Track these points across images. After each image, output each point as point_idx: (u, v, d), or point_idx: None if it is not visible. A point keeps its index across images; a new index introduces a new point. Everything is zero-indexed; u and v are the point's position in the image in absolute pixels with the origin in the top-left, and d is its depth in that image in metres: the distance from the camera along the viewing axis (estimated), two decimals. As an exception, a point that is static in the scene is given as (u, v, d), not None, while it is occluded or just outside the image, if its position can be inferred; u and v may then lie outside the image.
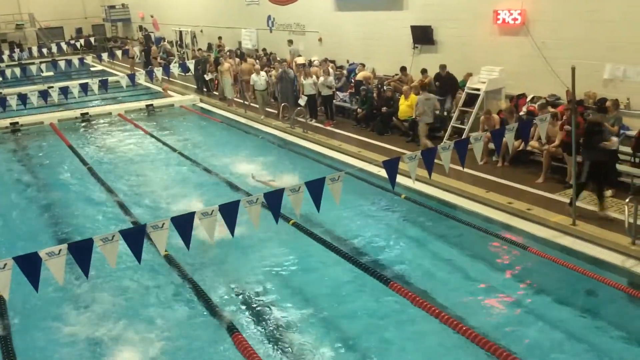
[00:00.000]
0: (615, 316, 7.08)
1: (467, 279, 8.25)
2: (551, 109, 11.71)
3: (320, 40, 21.75)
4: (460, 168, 8.34)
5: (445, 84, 15.17)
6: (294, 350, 6.84)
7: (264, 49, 24.97)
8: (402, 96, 15.14)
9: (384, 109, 15.68)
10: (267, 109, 18.82)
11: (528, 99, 13.26)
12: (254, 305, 7.84)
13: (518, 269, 8.40)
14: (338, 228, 10.02)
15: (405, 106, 14.99)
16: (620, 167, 10.47)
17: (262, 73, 18.31)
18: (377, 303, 7.70)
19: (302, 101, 17.02)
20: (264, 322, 7.45)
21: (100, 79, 20.00)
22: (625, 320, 7.00)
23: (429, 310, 7.23)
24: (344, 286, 8.19)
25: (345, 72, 19.08)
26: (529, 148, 11.80)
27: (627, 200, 8.43)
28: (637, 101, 11.22)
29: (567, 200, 9.50)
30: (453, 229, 9.79)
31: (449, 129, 14.02)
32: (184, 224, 6.39)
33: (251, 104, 20.00)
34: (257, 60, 22.25)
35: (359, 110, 16.60)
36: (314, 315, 7.51)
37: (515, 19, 13.81)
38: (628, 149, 10.65)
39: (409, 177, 7.86)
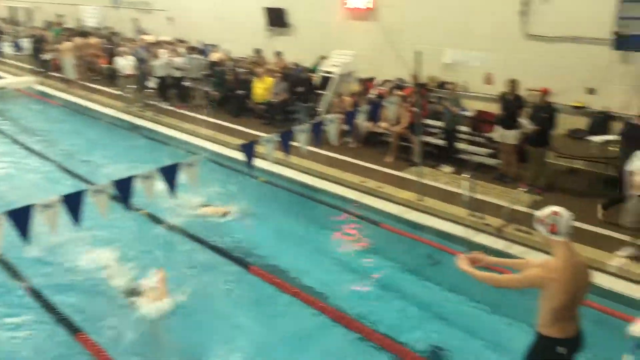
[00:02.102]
0: (457, 281, 7.64)
1: (325, 257, 8.46)
2: (398, 92, 12.35)
3: (170, 19, 20.94)
4: (316, 149, 8.50)
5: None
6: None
7: (109, 28, 23.51)
8: (257, 79, 15.08)
9: (239, 91, 15.52)
10: (116, 91, 17.78)
11: (377, 82, 13.85)
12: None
13: (371, 244, 8.78)
14: (191, 212, 9.80)
15: (261, 89, 14.97)
16: (459, 145, 11.34)
17: (130, 57, 16.98)
18: (236, 285, 7.67)
19: (152, 83, 16.31)
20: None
21: None
22: (465, 284, 7.56)
23: (289, 291, 7.37)
24: (206, 271, 8.05)
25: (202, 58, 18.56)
26: (379, 129, 12.36)
27: (465, 175, 9.14)
28: (473, 84, 12.19)
29: (415, 178, 10.07)
30: (311, 210, 10.00)
31: (305, 111, 14.22)
32: (20, 217, 5.82)
33: (98, 87, 18.78)
34: (102, 40, 20.92)
35: (213, 92, 16.27)
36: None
37: (364, 4, 14.31)
38: (466, 129, 11.56)
39: (267, 159, 7.86)
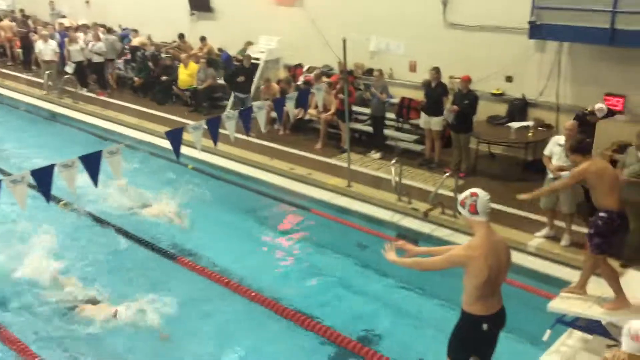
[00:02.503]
0: (385, 264, 7.80)
1: (255, 244, 8.42)
2: (325, 79, 12.39)
3: (87, 2, 20.01)
4: (245, 137, 8.39)
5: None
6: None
7: (22, 10, 22.16)
8: (182, 65, 14.70)
9: (163, 77, 15.08)
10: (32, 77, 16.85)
11: (304, 69, 13.83)
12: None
13: (303, 230, 8.80)
14: (117, 203, 9.47)
15: (186, 75, 14.62)
16: (386, 131, 11.53)
17: (51, 41, 15.97)
18: (165, 276, 7.50)
19: (69, 68, 15.57)
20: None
21: None
22: (393, 267, 7.74)
23: (220, 281, 7.30)
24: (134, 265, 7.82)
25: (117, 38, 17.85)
26: (307, 116, 12.37)
27: (392, 161, 9.32)
28: (398, 71, 12.40)
29: (345, 165, 10.15)
30: (240, 197, 9.90)
31: (232, 98, 14.02)
32: None
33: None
34: (14, 23, 19.72)
35: (136, 78, 15.73)
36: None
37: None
38: (393, 115, 11.76)
39: (195, 147, 7.69)
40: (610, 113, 8.50)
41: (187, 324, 6.56)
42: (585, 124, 8.00)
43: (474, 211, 4.32)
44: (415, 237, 8.37)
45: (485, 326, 4.41)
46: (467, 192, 4.40)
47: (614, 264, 6.71)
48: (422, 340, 6.19)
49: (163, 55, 15.82)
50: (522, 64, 10.57)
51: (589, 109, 8.31)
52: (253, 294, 6.99)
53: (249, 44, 14.50)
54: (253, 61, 13.76)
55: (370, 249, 8.17)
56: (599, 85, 9.74)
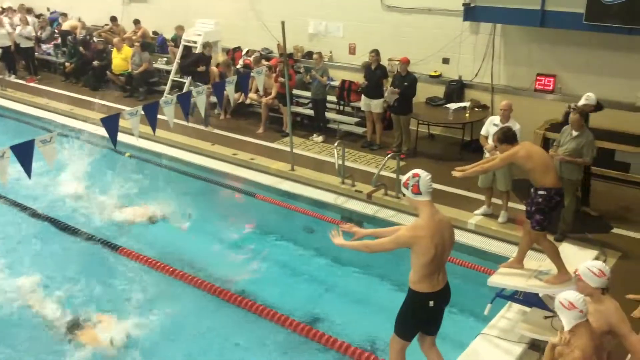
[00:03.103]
0: (331, 247, 7.85)
1: (200, 230, 8.30)
2: (265, 62, 12.27)
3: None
4: (184, 122, 8.21)
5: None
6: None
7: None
8: (115, 49, 14.22)
9: (95, 62, 14.54)
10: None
11: (243, 52, 13.65)
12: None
13: (248, 216, 8.75)
14: (52, 195, 9.13)
15: (120, 59, 14.16)
16: (328, 114, 11.56)
17: None
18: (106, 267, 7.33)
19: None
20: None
21: None
22: (339, 250, 7.81)
23: (164, 270, 7.18)
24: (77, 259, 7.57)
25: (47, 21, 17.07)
26: (248, 100, 12.23)
27: (335, 144, 9.36)
28: (338, 54, 12.42)
29: (287, 149, 10.12)
30: (183, 184, 9.72)
31: (169, 82, 13.70)
32: None
33: None
34: None
35: (67, 63, 15.10)
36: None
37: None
38: (334, 98, 11.79)
39: (132, 134, 7.47)
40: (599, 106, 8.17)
41: (132, 314, 6.42)
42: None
43: (417, 191, 4.41)
44: (359, 219, 8.49)
45: (431, 303, 4.54)
46: (409, 174, 4.49)
47: (549, 238, 7.04)
48: (372, 320, 6.28)
49: (95, 39, 15.24)
50: (458, 46, 10.79)
51: (572, 105, 7.91)
52: (199, 281, 6.91)
53: (180, 29, 14.13)
54: (190, 44, 13.45)
55: (316, 232, 8.22)
56: (531, 65, 10.08)
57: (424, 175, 4.44)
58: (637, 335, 3.99)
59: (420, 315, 4.63)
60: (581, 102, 7.88)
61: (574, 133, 7.14)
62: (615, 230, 7.59)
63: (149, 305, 6.59)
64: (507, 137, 5.84)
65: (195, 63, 12.40)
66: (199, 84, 11.63)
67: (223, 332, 6.20)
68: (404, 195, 4.58)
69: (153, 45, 14.97)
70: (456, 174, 5.92)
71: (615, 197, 8.56)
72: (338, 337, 5.92)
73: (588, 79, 9.57)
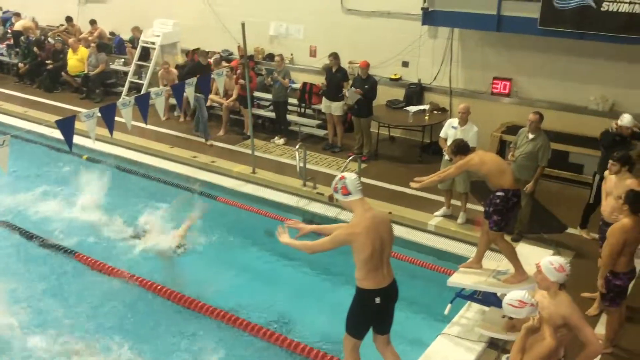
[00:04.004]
0: (291, 249, 7.85)
1: (163, 236, 8.15)
2: (225, 64, 12.18)
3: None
4: (142, 125, 8.08)
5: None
6: None
7: None
8: (71, 49, 13.89)
9: (50, 63, 14.17)
10: None
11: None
12: None
13: (210, 219, 8.62)
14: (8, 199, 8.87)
15: (75, 60, 13.85)
16: (289, 117, 11.55)
17: None
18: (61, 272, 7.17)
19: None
20: None
21: None
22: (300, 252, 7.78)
23: (120, 275, 7.06)
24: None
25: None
26: (208, 102, 12.09)
27: (296, 147, 9.36)
28: (299, 56, 12.41)
29: (249, 151, 10.06)
30: (142, 187, 9.55)
31: (127, 84, 13.46)
32: None
33: None
34: None
35: (20, 64, 14.67)
36: None
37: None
38: (295, 101, 11.78)
39: (89, 137, 7.31)
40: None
41: (84, 319, 6.32)
42: (619, 143, 7.19)
43: (347, 192, 4.54)
44: (321, 222, 8.49)
45: (377, 299, 4.59)
46: (336, 178, 4.62)
47: (506, 238, 7.20)
48: (333, 321, 6.29)
49: (50, 39, 14.86)
50: (417, 50, 10.93)
51: (614, 126, 7.36)
52: (158, 287, 6.81)
53: (137, 30, 13.90)
54: (148, 45, 13.25)
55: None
56: (488, 69, 10.29)
57: (349, 175, 4.60)
58: (590, 328, 4.12)
59: (368, 313, 4.69)
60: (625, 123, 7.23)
61: (530, 136, 7.32)
62: (569, 230, 7.81)
63: (107, 308, 6.50)
64: (459, 149, 6.03)
65: (192, 73, 10.61)
66: (198, 95, 10.23)
67: (176, 336, 6.11)
68: (337, 200, 4.69)
69: (110, 46, 14.68)
70: (414, 185, 6.09)
71: (569, 198, 8.80)
72: (301, 341, 5.91)
73: (542, 83, 9.84)
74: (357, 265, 4.56)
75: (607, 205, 6.21)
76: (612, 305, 5.50)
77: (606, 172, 6.28)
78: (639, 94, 9.09)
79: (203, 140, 11.04)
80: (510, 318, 3.98)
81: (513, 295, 3.93)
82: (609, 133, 7.40)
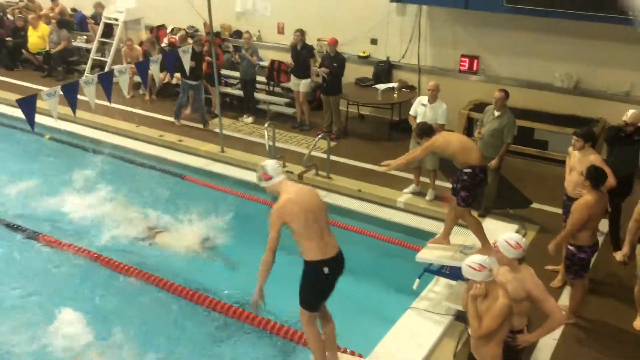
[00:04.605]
0: (260, 230, 7.78)
1: (131, 216, 8.03)
2: (191, 41, 11.96)
3: None
4: (106, 103, 7.90)
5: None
6: None
7: None
8: (31, 26, 13.45)
9: (10, 40, 13.71)
10: None
11: (168, 30, 13.23)
12: None
13: (178, 199, 8.53)
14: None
15: (36, 37, 13.43)
16: (258, 95, 11.43)
17: None
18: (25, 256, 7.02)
19: None
20: None
21: None
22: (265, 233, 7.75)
23: (89, 255, 6.98)
24: None
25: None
26: (174, 81, 11.90)
27: (265, 125, 9.28)
28: (267, 33, 12.26)
29: (217, 130, 9.95)
30: (108, 167, 9.36)
31: (90, 61, 13.13)
32: None
33: None
34: None
35: (-24, 41, 14.17)
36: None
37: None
38: (263, 79, 11.66)
39: (51, 115, 7.11)
40: None
41: (48, 296, 6.26)
42: (623, 140, 6.76)
43: (268, 177, 4.66)
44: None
45: (326, 269, 4.64)
46: (257, 167, 4.75)
47: (473, 214, 7.31)
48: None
49: (10, 16, 14.36)
50: (385, 27, 10.90)
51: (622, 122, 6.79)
52: (126, 267, 6.74)
53: (99, 6, 13.54)
54: (111, 22, 12.92)
55: (247, 214, 8.14)
56: (456, 47, 10.33)
57: (268, 161, 4.79)
58: (553, 299, 4.24)
59: (318, 284, 4.72)
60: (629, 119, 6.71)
61: (496, 113, 7.39)
62: (534, 205, 7.96)
63: (72, 287, 6.43)
64: (423, 131, 6.10)
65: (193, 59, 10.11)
66: (189, 82, 10.48)
67: (151, 319, 6.06)
68: (264, 188, 4.77)
69: (72, 22, 14.26)
70: (383, 168, 6.21)
71: (534, 174, 8.97)
72: (270, 318, 5.93)
73: (509, 60, 9.93)
74: (298, 241, 4.62)
75: (571, 180, 6.33)
76: (576, 278, 5.65)
77: (570, 148, 6.39)
78: (602, 72, 9.26)
79: (172, 119, 10.88)
80: (467, 280, 4.03)
81: (474, 258, 4.00)
82: (613, 128, 6.96)
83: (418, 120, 7.94)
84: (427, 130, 6.09)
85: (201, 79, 10.66)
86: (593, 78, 9.35)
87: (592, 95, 9.38)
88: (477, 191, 6.09)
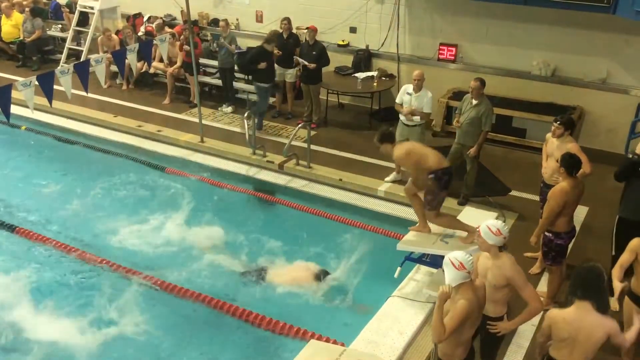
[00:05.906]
0: (246, 216, 7.85)
1: (109, 208, 7.98)
2: (168, 29, 11.81)
3: None
4: (83, 93, 7.79)
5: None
6: None
7: None
8: (4, 15, 13.17)
9: (-19, 28, 13.42)
10: None
11: (145, 19, 13.05)
12: None
13: (157, 190, 8.48)
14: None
15: (9, 26, 13.16)
16: (237, 84, 11.35)
17: None
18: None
19: None
20: None
21: None
22: (256, 223, 7.78)
23: (60, 247, 6.97)
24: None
25: None
26: (152, 70, 11.76)
27: (245, 115, 9.23)
28: (245, 22, 12.15)
29: (196, 120, 9.86)
30: (86, 159, 9.29)
31: (65, 51, 12.90)
32: None
33: None
34: None
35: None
36: None
37: None
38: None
39: (27, 106, 6.99)
40: None
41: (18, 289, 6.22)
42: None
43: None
44: (272, 189, 8.48)
45: None
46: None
47: (452, 202, 7.39)
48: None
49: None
50: (364, 15, 10.88)
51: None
52: (102, 260, 6.72)
53: (74, -8, 13.34)
54: (87, 10, 12.69)
55: (228, 205, 8.11)
56: (434, 35, 10.36)
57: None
58: (532, 287, 4.30)
59: None
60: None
61: (474, 102, 7.41)
62: (513, 193, 8.04)
63: (46, 282, 6.34)
64: (386, 137, 5.89)
65: (255, 60, 9.74)
66: (261, 85, 9.82)
67: (132, 312, 6.02)
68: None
69: (46, 11, 13.98)
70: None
71: (513, 162, 9.06)
72: (253, 310, 5.95)
73: (487, 49, 9.98)
74: None
75: (548, 167, 6.39)
76: (554, 264, 5.74)
77: (548, 135, 6.45)
78: (579, 59, 9.36)
79: (153, 110, 10.77)
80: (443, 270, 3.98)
81: (460, 255, 3.88)
82: (627, 161, 6.13)
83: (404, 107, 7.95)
84: (388, 136, 5.94)
85: (273, 81, 9.99)
86: (570, 66, 9.45)
87: (569, 83, 9.49)
88: (444, 193, 5.99)
